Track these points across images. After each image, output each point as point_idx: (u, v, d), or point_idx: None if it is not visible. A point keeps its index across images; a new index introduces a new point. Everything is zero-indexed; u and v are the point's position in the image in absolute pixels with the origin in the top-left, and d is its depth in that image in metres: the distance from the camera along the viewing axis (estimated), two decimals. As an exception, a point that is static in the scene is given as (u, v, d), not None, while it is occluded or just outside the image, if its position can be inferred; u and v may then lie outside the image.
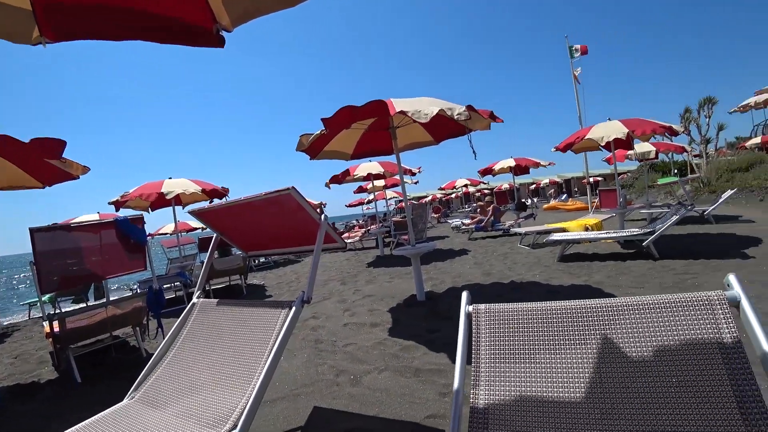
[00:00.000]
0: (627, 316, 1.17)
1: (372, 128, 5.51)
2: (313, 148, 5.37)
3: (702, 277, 4.71)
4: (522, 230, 8.94)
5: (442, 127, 5.40)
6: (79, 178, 4.83)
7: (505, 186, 30.07)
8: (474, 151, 4.49)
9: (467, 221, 12.51)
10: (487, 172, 12.49)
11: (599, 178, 31.74)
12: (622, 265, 5.84)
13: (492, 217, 11.31)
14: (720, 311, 1.10)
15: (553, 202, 24.14)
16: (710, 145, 21.94)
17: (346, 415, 2.60)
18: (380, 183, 12.91)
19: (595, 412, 1.10)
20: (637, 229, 6.75)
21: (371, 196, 17.38)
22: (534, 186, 42.44)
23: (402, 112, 3.77)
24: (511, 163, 12.09)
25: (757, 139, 24.62)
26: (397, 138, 5.12)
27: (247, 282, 8.22)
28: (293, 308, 1.95)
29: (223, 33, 1.75)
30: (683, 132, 8.14)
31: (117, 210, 7.79)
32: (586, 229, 8.26)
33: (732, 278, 1.14)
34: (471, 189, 28.11)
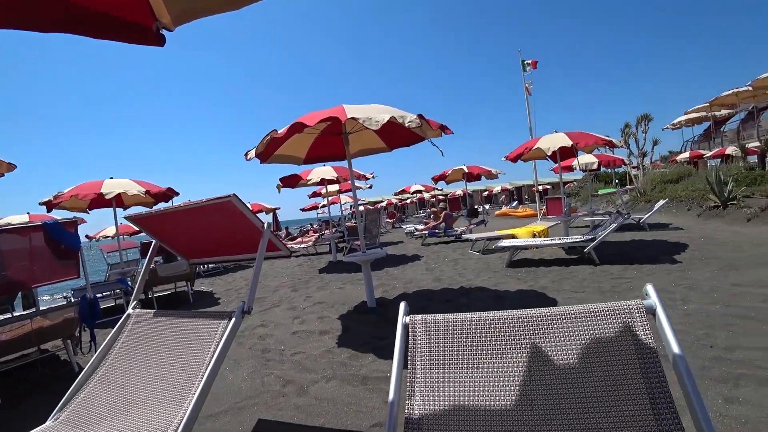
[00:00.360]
0: (554, 325, 1.22)
1: (325, 133, 5.48)
2: (264, 152, 5.26)
3: (636, 282, 5.01)
4: (473, 236, 9.15)
5: (395, 135, 5.45)
6: (3, 176, 4.48)
7: (459, 192, 30.69)
8: (440, 150, 4.59)
9: (420, 227, 12.67)
10: (440, 178, 12.71)
11: (548, 187, 33.02)
12: (565, 270, 6.11)
13: (443, 223, 11.51)
14: (638, 319, 1.18)
15: (504, 209, 24.94)
16: (646, 159, 23.74)
17: (291, 427, 2.55)
18: (335, 188, 12.85)
19: (525, 417, 1.13)
20: (580, 236, 7.08)
21: (325, 201, 17.24)
22: (487, 193, 43.66)
23: (353, 119, 3.77)
24: (464, 170, 12.37)
25: (686, 154, 26.91)
26: (349, 144, 5.11)
27: (194, 289, 7.90)
28: (233, 319, 1.89)
29: (165, 32, 1.68)
30: (621, 146, 8.69)
31: (49, 211, 7.24)
32: (534, 236, 8.57)
33: (649, 288, 1.22)
34: (426, 195, 28.54)
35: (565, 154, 9.28)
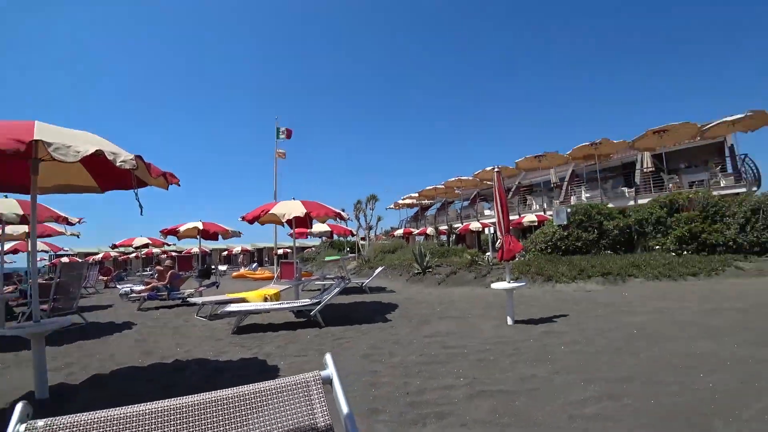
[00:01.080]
0: (225, 410, 1.06)
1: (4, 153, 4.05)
2: None
3: (354, 341, 5.46)
4: (200, 300, 8.32)
5: (111, 174, 4.48)
6: None
7: (195, 250, 28.34)
8: (140, 205, 3.81)
9: (139, 288, 10.85)
10: (171, 232, 11.35)
11: (288, 250, 34.12)
12: (292, 334, 6.10)
13: (168, 284, 10.18)
14: (315, 391, 1.19)
15: (242, 270, 24.30)
16: (372, 231, 28.75)
17: None
18: (21, 229, 9.87)
19: None
20: (307, 300, 7.33)
21: (7, 246, 12.95)
22: (227, 253, 42.04)
23: (41, 142, 2.88)
24: (199, 226, 11.44)
25: (401, 231, 34.14)
26: (38, 173, 3.87)
27: None
28: None
29: None
30: (348, 218, 9.82)
31: None
32: (266, 299, 8.37)
33: (328, 358, 1.26)
34: (155, 250, 25.22)
35: (300, 221, 9.72)
